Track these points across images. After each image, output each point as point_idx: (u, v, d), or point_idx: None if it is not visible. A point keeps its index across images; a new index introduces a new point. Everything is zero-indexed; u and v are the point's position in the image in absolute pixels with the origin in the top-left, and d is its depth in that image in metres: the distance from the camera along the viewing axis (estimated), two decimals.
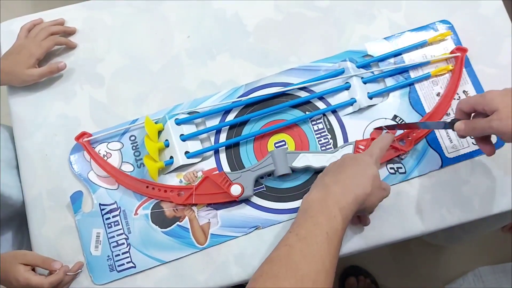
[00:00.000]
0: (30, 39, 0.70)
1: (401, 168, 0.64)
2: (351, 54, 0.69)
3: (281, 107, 0.67)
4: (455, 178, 0.64)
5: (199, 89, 0.69)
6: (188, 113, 0.67)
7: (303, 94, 0.68)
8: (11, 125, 0.70)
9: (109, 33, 0.73)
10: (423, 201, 0.63)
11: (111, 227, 0.63)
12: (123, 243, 0.62)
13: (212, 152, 0.66)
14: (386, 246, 0.63)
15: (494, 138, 0.56)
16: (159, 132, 0.66)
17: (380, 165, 0.56)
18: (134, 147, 0.66)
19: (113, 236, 0.63)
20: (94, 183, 0.65)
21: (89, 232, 0.63)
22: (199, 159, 0.65)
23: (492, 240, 1.22)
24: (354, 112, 0.67)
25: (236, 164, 0.65)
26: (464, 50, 0.68)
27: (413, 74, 0.68)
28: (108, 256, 0.62)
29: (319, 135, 0.66)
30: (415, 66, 0.68)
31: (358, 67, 0.68)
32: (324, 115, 0.67)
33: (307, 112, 0.67)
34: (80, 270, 0.61)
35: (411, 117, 0.66)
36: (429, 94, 0.68)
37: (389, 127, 0.64)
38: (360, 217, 0.61)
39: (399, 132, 0.64)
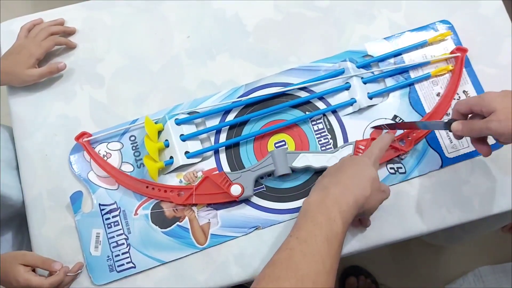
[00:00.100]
0: (30, 39, 0.70)
1: (401, 168, 0.64)
2: (351, 54, 0.69)
3: (281, 107, 0.67)
4: (455, 178, 0.64)
5: (199, 89, 0.69)
6: (188, 113, 0.67)
7: (303, 94, 0.68)
8: (11, 125, 0.70)
9: (109, 33, 0.73)
10: (423, 201, 0.63)
11: (111, 227, 0.63)
12: (123, 243, 0.62)
13: (212, 152, 0.66)
14: (386, 246, 0.63)
15: (491, 140, 0.56)
16: (159, 132, 0.66)
17: (380, 165, 0.56)
18: (134, 147, 0.66)
19: (113, 237, 0.63)
20: (94, 183, 0.65)
21: (89, 232, 0.63)
22: (199, 159, 0.65)
23: (492, 240, 1.22)
24: (354, 112, 0.67)
25: (236, 164, 0.65)
26: (464, 50, 0.68)
27: (413, 74, 0.68)
28: (108, 256, 0.62)
29: (319, 135, 0.66)
30: (415, 66, 0.68)
31: (358, 67, 0.68)
32: (324, 115, 0.67)
33: (307, 112, 0.67)
34: (80, 271, 0.61)
35: (411, 117, 0.66)
36: (429, 94, 0.68)
37: (387, 126, 0.64)
38: (360, 219, 0.61)
39: (399, 132, 0.64)
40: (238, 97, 0.68)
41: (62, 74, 0.71)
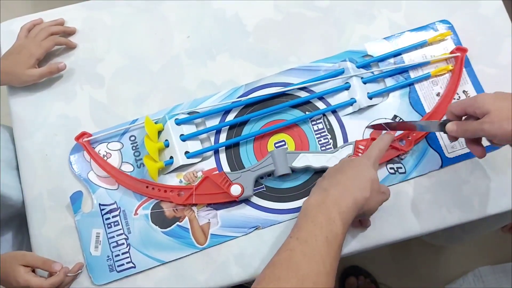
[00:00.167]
0: (30, 39, 0.70)
1: (401, 168, 0.64)
2: (351, 54, 0.69)
3: (281, 107, 0.67)
4: (455, 178, 0.64)
5: (199, 89, 0.69)
6: (188, 113, 0.67)
7: (303, 94, 0.68)
8: (11, 125, 0.70)
9: (109, 33, 0.73)
10: (423, 201, 0.63)
11: (111, 227, 0.63)
12: (123, 243, 0.62)
13: (212, 152, 0.66)
14: (386, 246, 0.63)
15: (486, 142, 0.56)
16: (159, 132, 0.66)
17: (380, 165, 0.56)
18: (134, 147, 0.66)
19: (113, 236, 0.63)
20: (94, 183, 0.65)
21: (89, 232, 0.63)
22: (199, 159, 0.65)
23: (492, 240, 1.22)
24: (354, 112, 0.67)
25: (236, 164, 0.65)
26: (464, 50, 0.68)
27: (413, 74, 0.68)
28: (108, 256, 0.62)
29: (319, 135, 0.66)
30: (415, 66, 0.68)
31: (358, 67, 0.68)
32: (324, 115, 0.67)
33: (307, 112, 0.67)
34: (80, 271, 0.61)
35: (411, 117, 0.66)
36: (429, 94, 0.68)
37: (386, 125, 0.64)
38: (360, 220, 0.61)
39: (399, 132, 0.64)
40: (238, 97, 0.68)
41: (62, 74, 0.71)
